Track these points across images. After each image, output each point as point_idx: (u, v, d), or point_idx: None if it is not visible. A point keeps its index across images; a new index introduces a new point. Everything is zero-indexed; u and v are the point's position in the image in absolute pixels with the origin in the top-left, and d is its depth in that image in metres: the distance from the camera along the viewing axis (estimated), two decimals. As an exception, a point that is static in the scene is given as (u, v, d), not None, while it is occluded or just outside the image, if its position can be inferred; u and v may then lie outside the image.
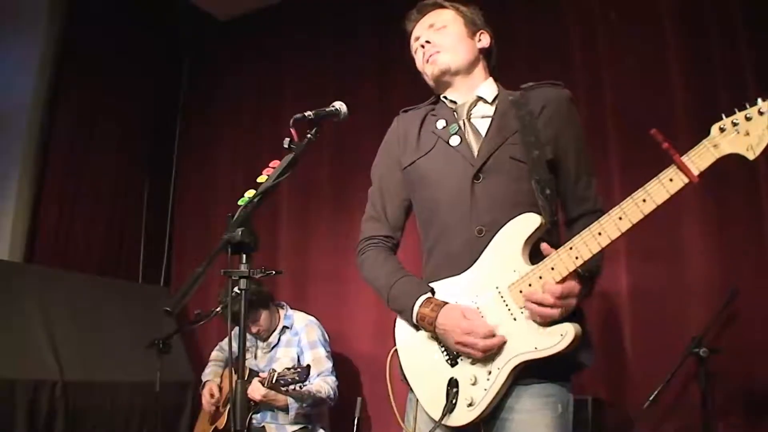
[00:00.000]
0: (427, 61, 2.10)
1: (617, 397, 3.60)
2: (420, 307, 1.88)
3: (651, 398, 3.10)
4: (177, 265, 5.69)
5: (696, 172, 1.58)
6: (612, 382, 3.63)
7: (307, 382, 3.43)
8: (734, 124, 1.55)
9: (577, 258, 1.70)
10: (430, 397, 1.88)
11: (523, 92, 2.05)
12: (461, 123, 2.03)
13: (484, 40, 2.16)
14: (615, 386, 3.62)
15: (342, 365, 4.27)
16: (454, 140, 1.99)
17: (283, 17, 5.46)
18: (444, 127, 2.05)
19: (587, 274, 1.77)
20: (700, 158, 1.58)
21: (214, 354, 4.25)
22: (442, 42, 2.09)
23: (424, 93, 2.22)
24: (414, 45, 2.19)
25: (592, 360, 1.87)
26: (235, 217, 1.62)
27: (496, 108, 2.04)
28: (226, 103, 5.69)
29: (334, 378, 3.85)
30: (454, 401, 1.80)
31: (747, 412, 3.26)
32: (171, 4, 5.50)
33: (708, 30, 3.70)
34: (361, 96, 4.69)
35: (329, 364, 3.87)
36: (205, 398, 3.95)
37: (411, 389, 1.96)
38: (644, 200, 1.63)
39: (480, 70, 2.13)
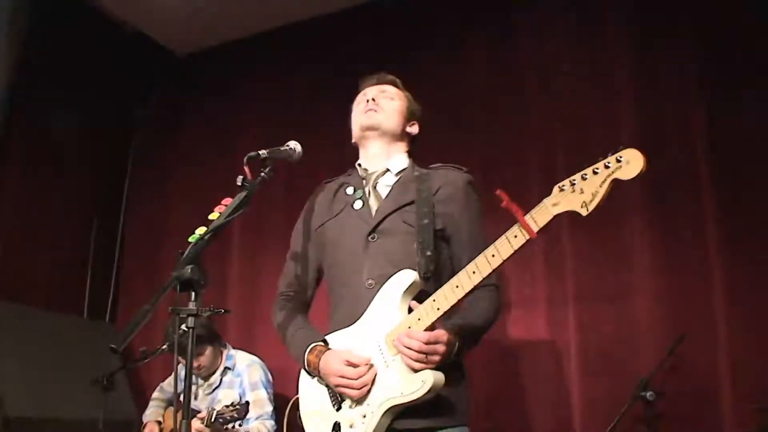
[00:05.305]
0: (365, 111, 2.36)
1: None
2: (307, 354, 2.08)
3: (599, 441, 3.15)
4: (123, 302, 5.55)
5: (536, 229, 1.74)
6: (560, 426, 3.64)
7: (245, 423, 3.44)
8: (572, 183, 1.72)
9: (438, 309, 1.88)
10: None
11: (429, 170, 2.32)
12: (367, 190, 2.29)
13: (414, 129, 2.44)
14: (563, 430, 3.64)
15: (287, 405, 4.21)
16: (357, 204, 2.25)
17: (241, 54, 5.48)
18: (351, 194, 2.31)
19: (456, 329, 1.94)
20: (540, 216, 1.74)
21: (156, 394, 4.13)
22: (385, 106, 2.37)
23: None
24: (360, 98, 2.45)
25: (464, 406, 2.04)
26: (185, 254, 1.61)
27: (399, 179, 2.29)
28: (180, 138, 5.65)
29: (273, 423, 3.74)
30: None
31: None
32: (127, 38, 5.49)
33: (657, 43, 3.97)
34: (320, 135, 4.63)
35: (269, 408, 3.77)
36: None
37: None
38: (493, 255, 1.81)
39: (400, 145, 2.40)
